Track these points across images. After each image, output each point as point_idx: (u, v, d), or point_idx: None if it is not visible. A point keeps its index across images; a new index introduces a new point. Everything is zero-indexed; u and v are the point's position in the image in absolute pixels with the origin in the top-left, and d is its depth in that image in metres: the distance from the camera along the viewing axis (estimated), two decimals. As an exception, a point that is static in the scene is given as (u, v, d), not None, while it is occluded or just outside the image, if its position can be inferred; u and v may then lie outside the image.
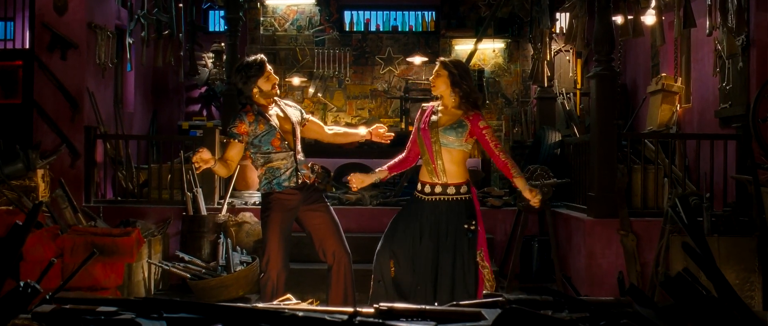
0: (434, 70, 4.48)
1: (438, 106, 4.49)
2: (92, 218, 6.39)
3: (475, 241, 4.38)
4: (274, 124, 4.60)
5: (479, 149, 4.55)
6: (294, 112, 4.79)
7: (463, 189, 4.42)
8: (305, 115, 4.89)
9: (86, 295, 4.55)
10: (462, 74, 4.42)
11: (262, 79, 4.55)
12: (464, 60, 9.44)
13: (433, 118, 4.43)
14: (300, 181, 4.63)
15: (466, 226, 4.37)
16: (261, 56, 4.63)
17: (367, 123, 10.15)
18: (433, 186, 4.42)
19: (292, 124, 4.70)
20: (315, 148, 6.96)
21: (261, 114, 4.59)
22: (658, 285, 5.72)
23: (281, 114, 4.70)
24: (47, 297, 2.96)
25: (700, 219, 5.72)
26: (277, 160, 4.60)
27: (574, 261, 6.48)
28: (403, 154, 4.67)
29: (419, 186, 4.49)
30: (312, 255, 5.49)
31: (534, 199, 4.37)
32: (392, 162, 4.71)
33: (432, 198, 4.42)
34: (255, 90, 4.54)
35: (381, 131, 4.81)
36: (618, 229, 6.06)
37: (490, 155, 4.49)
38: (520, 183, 4.40)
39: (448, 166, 4.39)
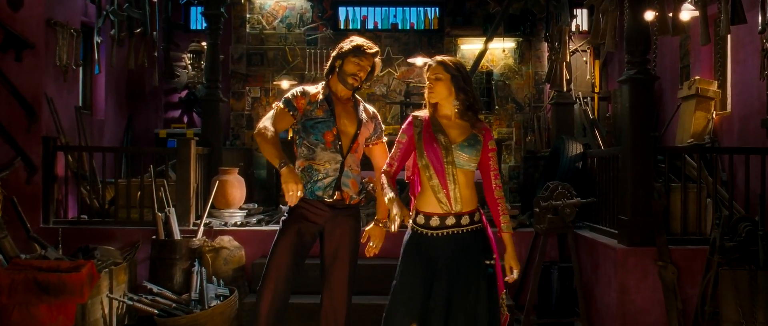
0: (431, 71, 3.59)
1: (438, 116, 3.62)
2: (43, 246, 5.51)
3: (495, 280, 3.58)
4: (335, 115, 3.84)
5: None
6: (369, 122, 3.98)
7: (476, 216, 3.61)
8: (381, 134, 4.05)
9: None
10: (466, 77, 3.61)
11: (352, 59, 3.84)
12: (473, 61, 8.62)
13: (439, 131, 3.56)
14: (336, 197, 3.83)
15: (487, 263, 3.55)
16: (374, 47, 3.91)
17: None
18: (443, 218, 3.53)
19: (358, 129, 3.90)
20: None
21: (328, 99, 3.86)
22: (704, 327, 4.89)
23: (352, 113, 3.92)
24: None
25: (754, 248, 4.89)
26: (321, 159, 3.82)
27: (603, 295, 5.63)
28: (387, 175, 3.63)
29: (422, 219, 3.56)
30: (303, 285, 4.82)
31: (511, 277, 3.63)
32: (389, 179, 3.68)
33: (442, 233, 3.54)
34: (337, 63, 3.88)
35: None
36: (655, 259, 5.24)
37: (484, 183, 3.68)
38: (507, 239, 3.64)
39: (463, 192, 3.54)
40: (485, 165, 3.63)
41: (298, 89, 3.91)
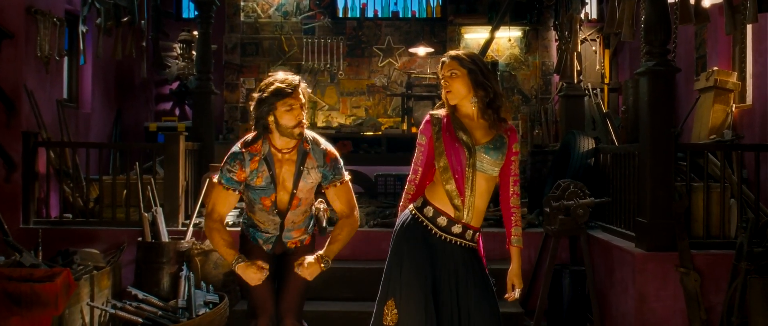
0: (445, 68, 3.25)
1: (460, 116, 3.27)
2: (18, 250, 5.15)
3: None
4: (276, 180, 3.47)
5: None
6: (314, 171, 3.52)
7: (476, 236, 3.33)
8: (338, 175, 3.56)
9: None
10: (485, 71, 3.24)
11: (281, 106, 3.34)
12: (479, 52, 8.24)
13: (461, 130, 3.21)
14: (278, 251, 3.69)
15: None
16: (293, 78, 3.42)
17: (363, 123, 8.97)
18: (452, 223, 3.23)
19: (294, 189, 3.52)
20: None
21: (267, 160, 3.45)
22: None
23: (296, 168, 3.49)
24: None
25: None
26: (261, 219, 3.62)
27: (619, 302, 5.28)
28: (412, 187, 3.37)
29: (430, 212, 3.25)
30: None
31: (512, 295, 3.38)
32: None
33: (447, 238, 3.25)
34: (270, 118, 3.38)
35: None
36: (676, 265, 4.88)
37: (501, 189, 3.37)
38: (515, 253, 3.37)
39: (478, 202, 3.24)
40: (506, 168, 3.31)
41: (238, 155, 3.46)
